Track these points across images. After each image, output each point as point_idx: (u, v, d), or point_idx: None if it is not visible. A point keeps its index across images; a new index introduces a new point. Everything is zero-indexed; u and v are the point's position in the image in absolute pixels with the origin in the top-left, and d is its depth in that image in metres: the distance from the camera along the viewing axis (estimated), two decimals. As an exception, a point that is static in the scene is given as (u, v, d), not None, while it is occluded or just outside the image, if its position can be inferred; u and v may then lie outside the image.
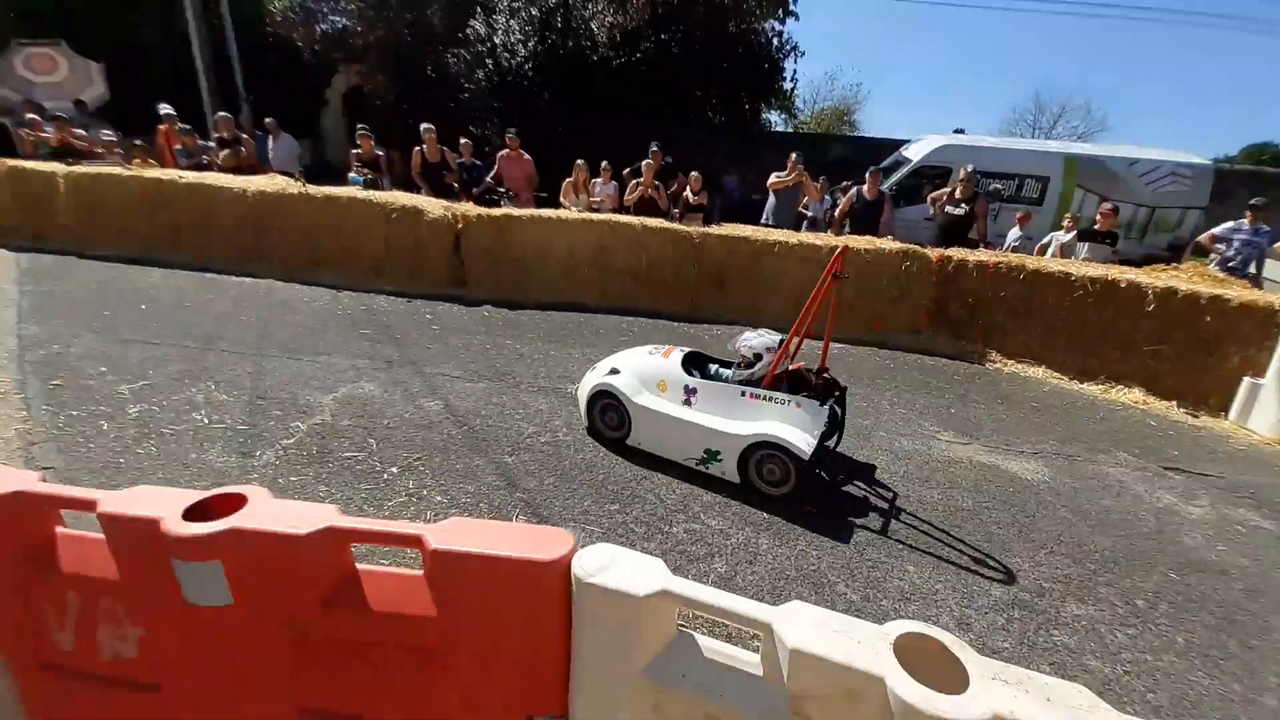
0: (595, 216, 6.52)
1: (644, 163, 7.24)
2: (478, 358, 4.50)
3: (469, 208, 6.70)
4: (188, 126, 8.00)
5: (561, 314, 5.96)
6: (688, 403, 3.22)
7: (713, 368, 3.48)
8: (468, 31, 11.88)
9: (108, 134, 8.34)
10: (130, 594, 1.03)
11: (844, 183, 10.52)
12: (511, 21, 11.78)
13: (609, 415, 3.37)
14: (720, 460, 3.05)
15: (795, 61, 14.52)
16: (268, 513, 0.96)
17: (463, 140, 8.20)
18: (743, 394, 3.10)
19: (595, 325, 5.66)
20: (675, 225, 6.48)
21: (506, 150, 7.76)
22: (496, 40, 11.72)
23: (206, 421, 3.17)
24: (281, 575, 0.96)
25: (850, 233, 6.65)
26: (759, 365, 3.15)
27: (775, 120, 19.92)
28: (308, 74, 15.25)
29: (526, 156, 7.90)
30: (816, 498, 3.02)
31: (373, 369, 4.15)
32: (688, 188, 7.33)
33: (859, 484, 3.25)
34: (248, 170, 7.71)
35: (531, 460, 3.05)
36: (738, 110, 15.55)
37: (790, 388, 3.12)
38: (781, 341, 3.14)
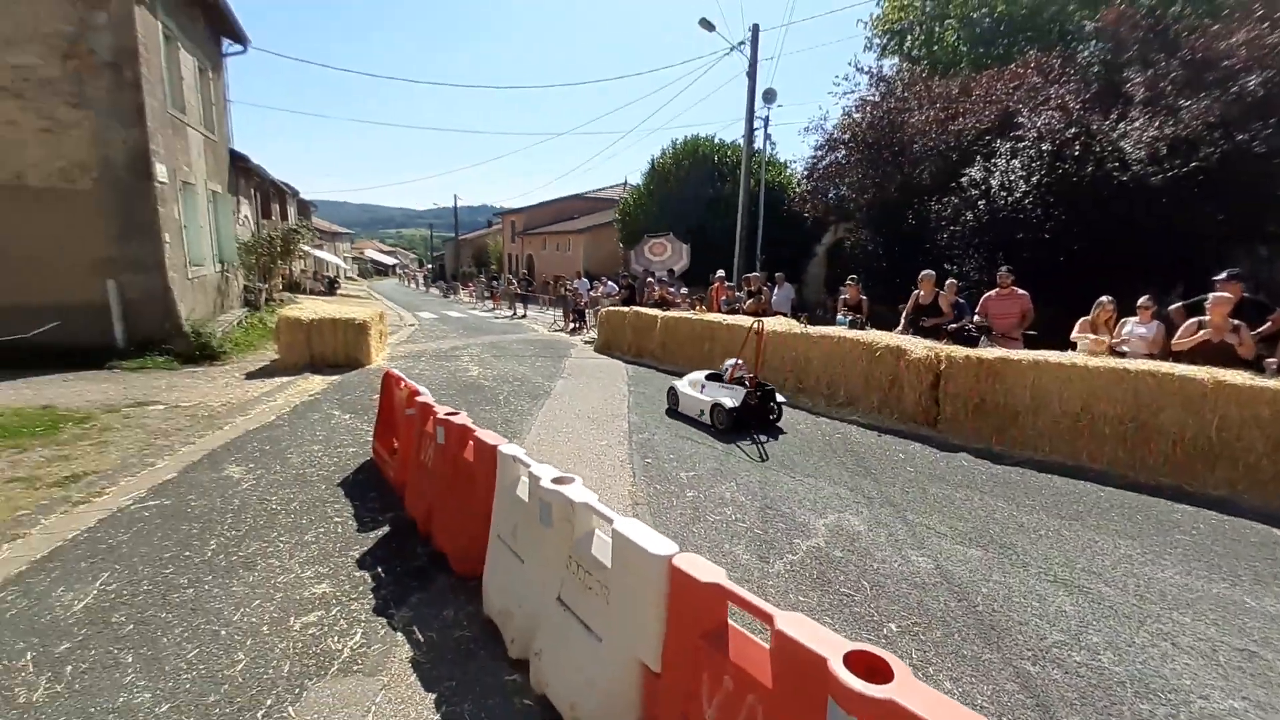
0: (1131, 364, 5.14)
1: (1212, 296, 5.40)
2: (965, 516, 4.05)
3: (954, 348, 6.39)
4: (731, 283, 10.62)
5: (1066, 480, 4.81)
6: (700, 391, 6.54)
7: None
8: (961, 180, 11.84)
9: (684, 290, 11.92)
10: (776, 705, 1.30)
11: None
12: (1013, 161, 11.12)
13: (672, 398, 6.79)
14: (704, 415, 6.18)
15: None
16: (921, 699, 1.05)
17: (949, 281, 8.04)
18: (720, 386, 6.40)
19: (1125, 505, 4.30)
20: (1277, 383, 4.47)
21: (997, 289, 7.19)
22: (993, 182, 11.23)
23: (733, 517, 3.89)
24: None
25: None
26: (725, 373, 6.49)
27: None
28: (805, 233, 18.16)
29: (1020, 292, 7.10)
30: None
31: (855, 501, 4.27)
32: (1302, 333, 5.00)
33: None
34: (763, 313, 9.59)
35: (1065, 683, 2.35)
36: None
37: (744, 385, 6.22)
38: (736, 362, 6.50)
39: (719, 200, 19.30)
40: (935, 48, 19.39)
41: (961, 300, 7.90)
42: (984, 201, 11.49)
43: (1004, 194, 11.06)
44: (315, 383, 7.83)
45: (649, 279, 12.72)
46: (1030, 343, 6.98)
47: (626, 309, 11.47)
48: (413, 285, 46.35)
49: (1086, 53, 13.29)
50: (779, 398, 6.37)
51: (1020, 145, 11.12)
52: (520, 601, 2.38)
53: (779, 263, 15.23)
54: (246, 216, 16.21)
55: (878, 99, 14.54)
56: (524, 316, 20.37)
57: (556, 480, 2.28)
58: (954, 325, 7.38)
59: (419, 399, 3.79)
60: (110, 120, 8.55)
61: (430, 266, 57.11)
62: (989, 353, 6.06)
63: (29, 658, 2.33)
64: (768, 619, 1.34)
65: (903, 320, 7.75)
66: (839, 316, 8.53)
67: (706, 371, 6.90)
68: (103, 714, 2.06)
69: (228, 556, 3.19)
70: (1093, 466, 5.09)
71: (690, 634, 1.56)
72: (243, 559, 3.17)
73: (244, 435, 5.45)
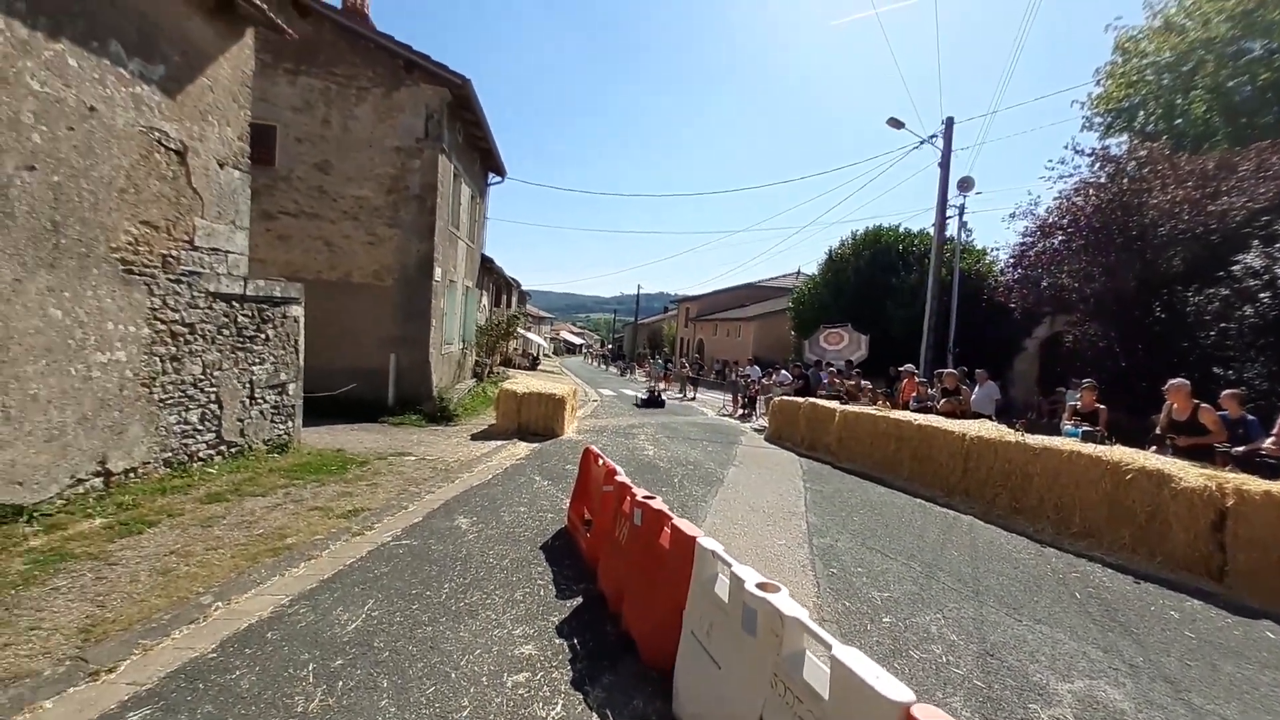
0: None
1: None
2: (1293, 717, 2.89)
3: (1247, 480, 4.87)
4: (924, 379, 9.65)
5: None
6: (641, 393, 18.29)
7: None
8: (1233, 268, 9.53)
9: (865, 383, 11.13)
10: None
11: None
12: (1313, 246, 8.68)
13: (636, 400, 17.31)
14: (641, 400, 16.90)
15: None
16: None
17: (1226, 392, 6.31)
18: (646, 390, 18.16)
19: None
20: None
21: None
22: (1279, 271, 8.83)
23: (943, 659, 3.28)
24: None
25: None
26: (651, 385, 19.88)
27: None
28: (1011, 326, 15.94)
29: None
30: None
31: (1110, 668, 3.32)
32: None
33: None
34: (960, 414, 8.46)
35: None
36: None
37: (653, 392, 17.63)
38: (658, 383, 20.65)
39: (902, 290, 18.08)
40: (1178, 121, 16.59)
41: (1250, 416, 6.11)
42: (1269, 294, 9.06)
43: (1304, 285, 8.62)
44: (522, 448, 8.80)
45: (829, 368, 12.18)
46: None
47: (801, 399, 11.03)
48: (594, 363, 50.54)
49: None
50: (663, 398, 17.06)
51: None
52: (714, 712, 2.25)
53: (978, 358, 13.50)
54: (484, 304, 19.58)
55: (1104, 180, 12.74)
56: (694, 399, 20.75)
57: (761, 586, 2.18)
58: (1241, 449, 5.68)
59: (617, 478, 4.01)
60: (411, 236, 11.21)
61: (610, 346, 62.01)
62: (1309, 492, 4.50)
63: (310, 669, 2.80)
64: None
65: (1161, 436, 6.20)
66: (1066, 426, 7.14)
67: (649, 387, 18.40)
68: (363, 729, 2.38)
69: (457, 601, 3.60)
70: None
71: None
72: (468, 606, 3.54)
73: (469, 490, 6.27)
